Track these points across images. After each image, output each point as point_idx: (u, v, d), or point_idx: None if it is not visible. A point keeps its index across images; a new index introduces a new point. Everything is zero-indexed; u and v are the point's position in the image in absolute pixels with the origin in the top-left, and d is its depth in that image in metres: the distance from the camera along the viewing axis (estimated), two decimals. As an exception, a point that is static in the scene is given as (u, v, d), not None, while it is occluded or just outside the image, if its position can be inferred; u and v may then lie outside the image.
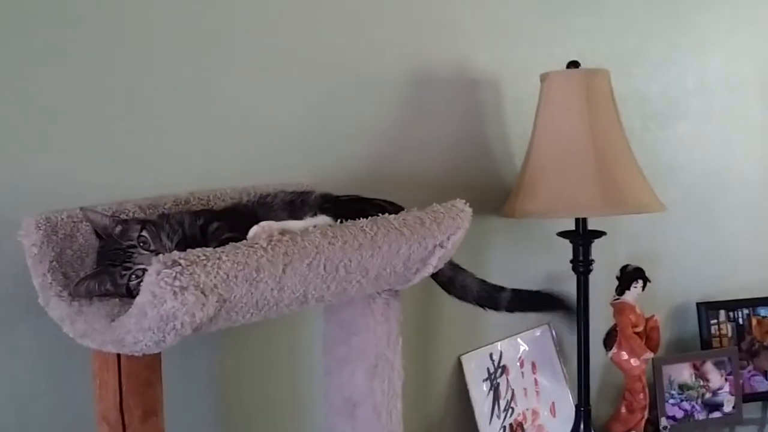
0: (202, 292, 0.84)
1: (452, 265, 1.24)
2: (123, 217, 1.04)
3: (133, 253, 0.97)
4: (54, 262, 1.02)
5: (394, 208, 1.13)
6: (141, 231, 0.98)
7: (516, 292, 1.33)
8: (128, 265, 0.97)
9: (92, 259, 1.03)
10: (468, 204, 1.15)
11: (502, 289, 1.32)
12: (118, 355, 0.95)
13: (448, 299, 1.36)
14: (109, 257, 0.98)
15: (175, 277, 0.81)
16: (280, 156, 1.36)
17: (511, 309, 1.31)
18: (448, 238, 1.11)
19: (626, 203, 1.50)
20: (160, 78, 1.23)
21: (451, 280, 1.25)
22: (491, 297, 1.30)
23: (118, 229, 0.99)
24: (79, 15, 1.14)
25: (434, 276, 1.22)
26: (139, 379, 0.98)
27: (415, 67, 1.56)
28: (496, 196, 1.68)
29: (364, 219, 1.02)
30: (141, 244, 0.97)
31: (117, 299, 0.98)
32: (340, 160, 1.44)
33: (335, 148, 1.44)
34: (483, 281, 1.28)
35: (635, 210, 1.54)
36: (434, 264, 1.13)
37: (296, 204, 1.12)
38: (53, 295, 1.00)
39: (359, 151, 1.48)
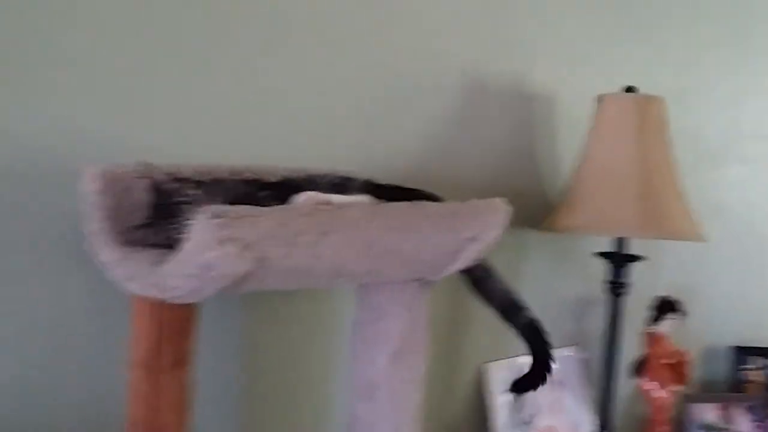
0: (243, 246, 0.89)
1: (486, 266, 1.26)
2: (179, 176, 1.10)
3: (184, 209, 1.03)
4: (111, 211, 1.09)
5: (435, 200, 1.16)
6: (195, 189, 1.04)
7: (534, 322, 1.28)
8: (178, 219, 1.02)
9: (145, 213, 1.09)
10: (507, 204, 1.18)
11: (524, 308, 1.28)
12: (156, 303, 1.01)
13: (477, 306, 1.39)
14: (161, 211, 1.04)
15: (219, 227, 0.87)
16: (330, 146, 1.42)
17: (523, 334, 1.28)
18: (484, 233, 1.14)
19: (664, 228, 1.52)
20: (228, 55, 1.30)
21: (482, 280, 1.26)
22: (511, 311, 1.27)
23: (174, 186, 1.05)
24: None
25: (465, 272, 1.25)
26: (175, 327, 1.03)
27: (472, 75, 1.60)
28: (538, 212, 1.70)
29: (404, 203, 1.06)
30: (193, 202, 1.03)
31: (163, 250, 1.04)
32: (388, 157, 1.49)
33: (384, 145, 1.49)
34: (511, 292, 1.27)
35: (673, 235, 1.55)
36: (465, 258, 1.16)
37: (342, 185, 1.16)
38: (105, 242, 1.06)
39: (408, 151, 1.53)
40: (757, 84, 2.13)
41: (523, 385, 1.31)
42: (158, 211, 1.05)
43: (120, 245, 1.05)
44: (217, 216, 0.87)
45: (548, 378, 1.29)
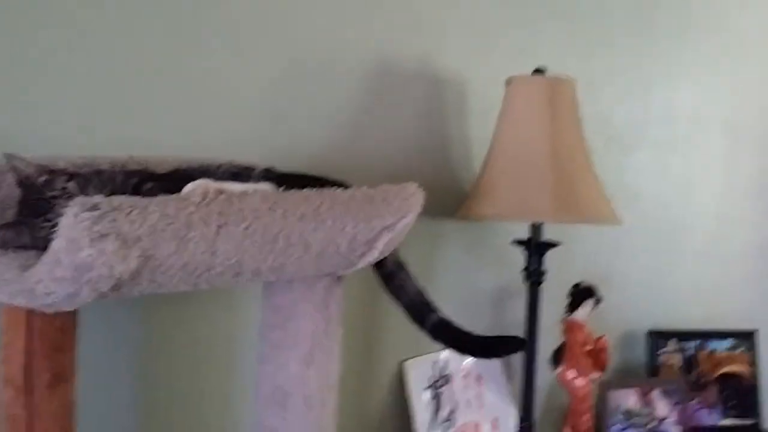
0: (124, 243, 0.78)
1: (397, 260, 1.18)
2: (51, 167, 0.97)
3: (56, 204, 0.90)
4: (-29, 211, 0.95)
5: (344, 187, 1.07)
6: (67, 182, 0.92)
7: (444, 322, 1.21)
8: (50, 216, 0.90)
9: (14, 212, 0.96)
10: (419, 188, 1.10)
11: (433, 309, 1.20)
12: (29, 313, 0.88)
13: (393, 303, 1.31)
14: (30, 208, 0.92)
15: (94, 222, 0.75)
16: (232, 132, 1.32)
17: (434, 334, 1.21)
18: (397, 222, 1.06)
19: (580, 212, 1.48)
20: (118, 38, 1.18)
21: (393, 275, 1.18)
22: (420, 312, 1.19)
23: (43, 178, 0.93)
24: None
25: (376, 266, 1.16)
26: (50, 340, 0.90)
27: (379, 58, 1.53)
28: (452, 200, 1.63)
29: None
30: (66, 196, 0.90)
31: (34, 252, 0.91)
32: (294, 144, 1.40)
33: (290, 131, 1.40)
34: (421, 292, 1.20)
35: (589, 219, 1.52)
36: (380, 248, 1.07)
37: (241, 176, 1.06)
38: (-34, 245, 0.92)
39: (315, 137, 1.44)
40: (667, 68, 2.13)
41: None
42: (27, 208, 0.92)
43: (-17, 248, 0.91)
44: (90, 209, 0.75)
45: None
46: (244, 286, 1.26)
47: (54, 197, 0.91)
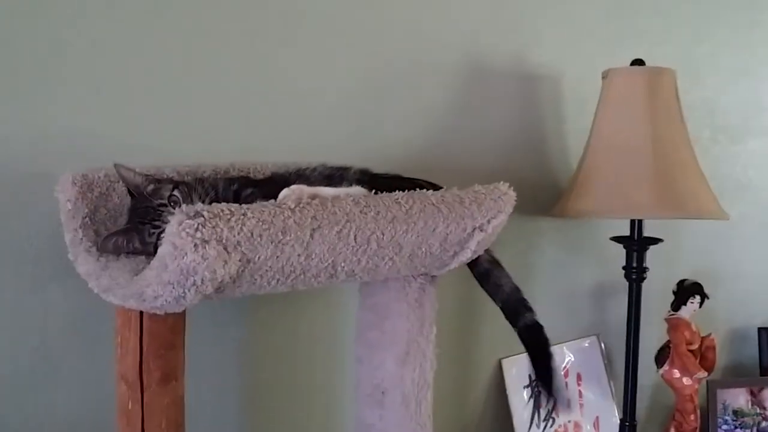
0: (225, 248, 0.82)
1: (491, 259, 1.18)
2: (157, 176, 1.03)
3: (163, 211, 0.96)
4: (87, 219, 1.02)
5: (436, 189, 1.08)
6: (173, 190, 0.97)
7: (537, 327, 1.18)
8: (157, 223, 0.95)
9: (125, 219, 1.02)
10: (512, 189, 1.10)
11: (528, 309, 1.18)
12: (141, 314, 0.94)
13: (491, 302, 1.30)
14: (139, 215, 0.97)
15: (196, 229, 0.79)
16: (327, 135, 1.35)
17: (523, 336, 1.18)
18: (489, 222, 1.06)
19: (684, 207, 1.43)
20: (211, 47, 1.23)
21: (488, 273, 1.17)
22: (515, 309, 1.18)
23: (151, 187, 0.98)
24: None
25: (471, 265, 1.17)
26: (160, 340, 0.95)
27: (473, 57, 1.52)
28: (548, 196, 1.62)
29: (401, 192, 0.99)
30: (172, 204, 0.96)
31: (144, 257, 0.96)
32: (389, 145, 1.41)
33: (384, 132, 1.42)
34: (517, 289, 1.19)
35: (694, 215, 1.46)
36: (472, 248, 1.08)
37: (335, 177, 1.09)
38: (82, 251, 0.99)
39: (409, 137, 1.45)
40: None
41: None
42: (136, 215, 0.98)
43: (97, 253, 0.98)
44: (193, 216, 0.79)
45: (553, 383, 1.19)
46: (341, 287, 1.29)
47: (161, 204, 0.96)
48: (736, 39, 1.96)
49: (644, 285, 1.58)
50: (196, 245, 0.79)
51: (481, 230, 1.07)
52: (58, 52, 1.10)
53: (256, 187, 1.02)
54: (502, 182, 1.09)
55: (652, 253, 1.57)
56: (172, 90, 1.20)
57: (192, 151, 1.18)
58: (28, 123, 1.09)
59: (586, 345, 1.76)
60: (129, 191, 1.00)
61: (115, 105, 1.15)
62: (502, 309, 1.20)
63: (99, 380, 1.10)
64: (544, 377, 1.19)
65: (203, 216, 0.80)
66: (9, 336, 1.09)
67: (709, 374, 1.76)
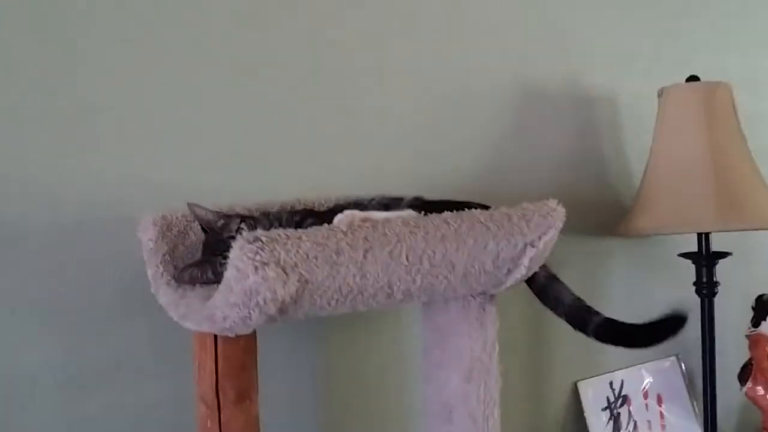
0: (283, 270, 0.89)
1: (548, 274, 1.21)
2: (227, 213, 1.12)
3: (232, 244, 1.04)
4: (167, 255, 1.11)
5: (484, 209, 1.13)
6: (240, 223, 1.05)
7: (609, 321, 1.20)
8: (227, 254, 1.03)
9: (200, 253, 1.12)
10: (561, 205, 1.13)
11: (595, 313, 1.20)
12: (215, 338, 1.02)
13: (564, 323, 1.32)
14: (211, 248, 1.06)
15: (256, 252, 0.87)
16: (387, 168, 1.42)
17: (599, 337, 1.19)
18: (539, 238, 1.10)
19: (746, 218, 1.43)
20: (274, 90, 1.32)
21: (546, 288, 1.21)
22: (581, 317, 1.19)
23: (221, 222, 1.07)
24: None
25: (529, 282, 1.20)
26: (234, 361, 1.03)
27: (527, 83, 1.57)
28: (613, 216, 1.63)
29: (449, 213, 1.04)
30: (240, 236, 1.04)
31: (216, 286, 1.05)
32: (446, 173, 1.47)
33: (442, 161, 1.47)
34: (578, 298, 1.21)
35: (757, 225, 1.45)
36: (526, 265, 1.11)
37: (390, 206, 1.15)
38: (163, 284, 1.09)
39: (467, 165, 1.51)
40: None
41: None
42: (208, 248, 1.07)
43: (176, 284, 1.07)
44: (252, 241, 0.87)
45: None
46: (405, 308, 1.34)
47: (230, 237, 1.04)
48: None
49: (723, 301, 1.56)
50: (256, 267, 0.87)
51: (533, 246, 1.11)
52: (130, 106, 1.22)
53: (316, 217, 1.09)
54: (550, 199, 1.13)
55: (727, 269, 1.56)
56: (239, 132, 1.30)
57: (260, 190, 1.27)
58: (111, 171, 1.20)
59: (666, 366, 1.74)
60: (202, 227, 1.09)
61: (189, 151, 1.25)
62: (567, 320, 1.22)
63: (183, 403, 1.17)
64: (649, 335, 1.19)
65: (261, 240, 0.87)
66: (103, 364, 1.18)
67: (796, 390, 1.71)
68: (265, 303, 0.90)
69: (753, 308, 1.73)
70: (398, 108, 1.44)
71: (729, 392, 1.72)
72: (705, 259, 1.52)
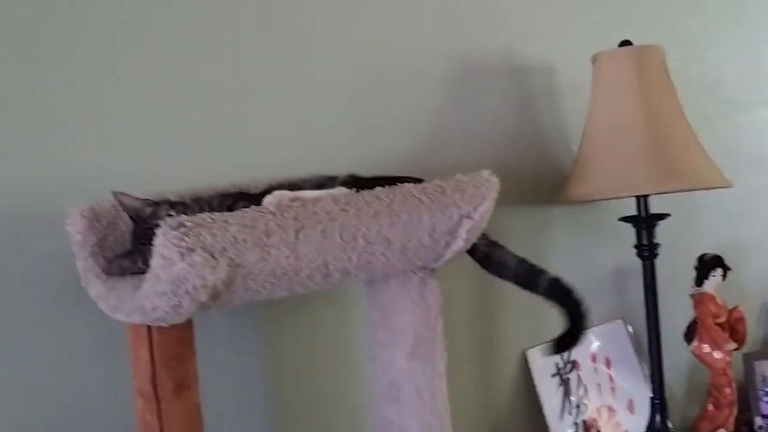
0: (211, 255, 0.87)
1: (489, 241, 1.21)
2: (155, 200, 1.09)
3: (160, 231, 1.01)
4: (95, 247, 1.08)
5: (418, 182, 1.12)
6: (169, 210, 1.03)
7: (557, 281, 1.21)
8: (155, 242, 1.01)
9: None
10: (494, 175, 1.13)
11: (542, 271, 1.22)
12: (149, 329, 0.99)
13: (510, 293, 1.32)
14: (140, 237, 1.03)
15: (181, 239, 0.84)
16: (320, 148, 1.39)
17: (549, 295, 1.21)
18: (475, 209, 1.10)
19: (683, 179, 1.44)
20: (200, 70, 1.29)
21: (488, 256, 1.21)
22: (529, 277, 1.21)
23: (149, 210, 1.04)
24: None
25: (471, 253, 1.20)
26: (170, 351, 1.00)
27: (461, 56, 1.56)
28: (555, 185, 1.64)
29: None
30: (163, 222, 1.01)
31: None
32: (384, 151, 1.45)
33: (379, 139, 1.46)
34: (523, 260, 1.23)
35: (694, 185, 1.47)
36: (463, 237, 1.11)
37: (324, 186, 1.13)
38: (93, 277, 1.05)
39: (404, 142, 1.49)
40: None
41: (563, 344, 1.23)
42: (138, 237, 1.04)
43: (105, 276, 1.04)
44: (176, 227, 0.85)
45: (584, 332, 1.21)
46: (341, 286, 1.33)
47: (159, 225, 1.02)
48: (731, 11, 1.96)
49: (666, 263, 1.58)
50: (182, 254, 0.85)
51: (469, 218, 1.10)
52: (53, 89, 1.17)
53: (249, 200, 1.07)
54: (484, 170, 1.12)
55: (669, 231, 1.58)
56: (172, 117, 1.26)
57: (192, 175, 1.24)
58: (37, 163, 1.16)
59: (612, 329, 1.76)
60: (130, 217, 1.06)
61: (113, 138, 1.21)
62: (516, 282, 1.22)
63: (121, 397, 1.15)
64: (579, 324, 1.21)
65: (185, 226, 0.85)
66: (38, 362, 1.15)
67: (740, 346, 1.75)
68: (194, 290, 0.88)
69: (695, 268, 1.76)
70: (332, 85, 1.42)
71: (677, 352, 1.74)
72: (644, 221, 1.54)
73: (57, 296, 1.15)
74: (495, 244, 1.22)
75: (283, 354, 1.36)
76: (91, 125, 1.20)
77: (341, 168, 1.33)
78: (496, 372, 1.62)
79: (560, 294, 1.21)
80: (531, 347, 1.64)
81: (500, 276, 1.22)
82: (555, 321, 1.65)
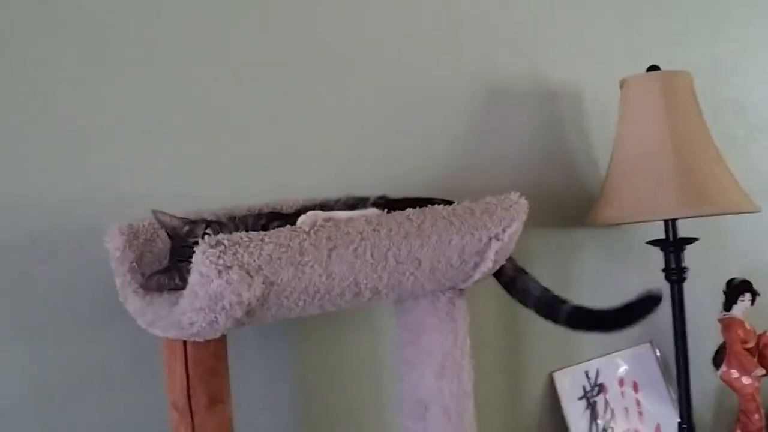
0: (247, 273, 0.90)
1: (515, 267, 1.23)
2: (192, 219, 1.12)
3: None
4: (134, 263, 1.11)
5: (448, 204, 1.14)
6: (206, 228, 1.06)
7: (577, 308, 1.22)
8: (193, 260, 1.04)
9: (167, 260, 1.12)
10: (523, 197, 1.15)
11: (563, 301, 1.23)
12: (185, 344, 1.02)
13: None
14: (177, 254, 1.06)
15: (219, 256, 0.87)
16: (352, 169, 1.42)
17: (570, 324, 1.22)
18: (504, 231, 1.11)
19: (709, 203, 1.45)
20: (232, 94, 1.32)
21: (513, 281, 1.22)
22: (551, 307, 1.22)
23: (186, 228, 1.07)
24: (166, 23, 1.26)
25: (497, 276, 1.22)
26: (204, 366, 1.03)
27: (489, 80, 1.59)
28: (581, 208, 1.65)
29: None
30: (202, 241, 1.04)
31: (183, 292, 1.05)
32: (413, 174, 1.48)
33: (408, 161, 1.48)
34: (546, 289, 1.23)
35: (723, 209, 1.48)
36: (492, 258, 1.13)
37: (356, 206, 1.16)
38: (131, 292, 1.09)
39: (433, 164, 1.51)
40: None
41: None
42: (175, 254, 1.07)
43: (143, 292, 1.07)
44: (214, 245, 0.88)
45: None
46: (378, 307, 1.35)
47: (196, 243, 1.04)
48: (759, 37, 1.97)
49: (695, 287, 1.59)
50: (219, 271, 0.88)
51: (498, 239, 1.12)
52: (96, 108, 1.21)
53: (282, 220, 1.10)
54: (513, 192, 1.14)
55: (697, 255, 1.58)
56: (203, 137, 1.29)
57: (227, 195, 1.27)
58: (79, 181, 1.19)
59: (640, 353, 1.76)
60: (168, 234, 1.10)
61: (155, 159, 1.25)
62: (536, 311, 1.24)
63: (156, 410, 1.17)
64: (621, 318, 1.22)
65: (224, 244, 0.88)
66: (75, 375, 1.18)
67: (770, 372, 1.74)
68: (230, 306, 0.91)
69: (724, 292, 1.76)
70: (362, 107, 1.45)
71: (705, 377, 1.74)
72: (672, 245, 1.55)
73: (95, 310, 1.19)
74: (522, 270, 1.23)
75: (313, 371, 1.38)
76: (129, 145, 1.23)
77: (370, 191, 1.37)
78: (522, 393, 1.63)
79: (582, 319, 1.22)
80: (558, 369, 1.64)
81: (522, 302, 1.24)
82: (582, 343, 1.68)
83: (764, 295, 1.77)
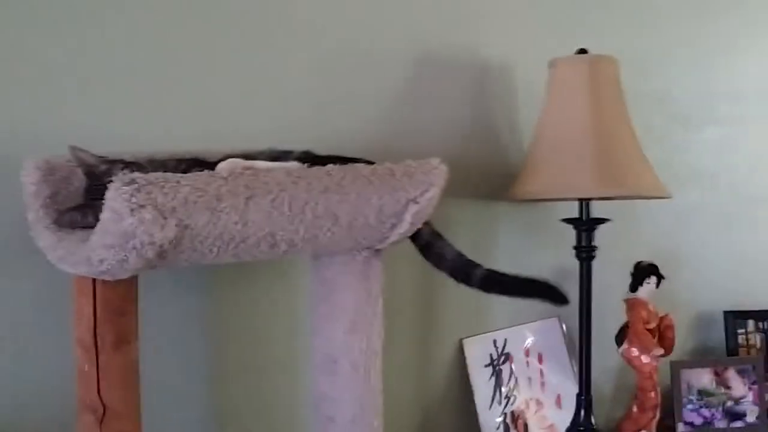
0: (161, 213, 0.90)
1: (432, 231, 1.26)
2: (110, 158, 1.11)
3: (113, 188, 1.03)
4: (48, 199, 1.10)
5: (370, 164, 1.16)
6: (123, 169, 1.05)
7: (491, 272, 1.29)
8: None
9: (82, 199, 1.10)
10: (441, 163, 1.18)
11: (477, 265, 1.29)
12: (94, 282, 1.01)
13: (453, 282, 1.37)
14: (92, 193, 1.05)
15: (131, 195, 0.87)
16: (278, 123, 1.42)
17: (484, 287, 1.29)
18: (422, 194, 1.14)
19: (623, 186, 1.50)
20: (169, 40, 1.32)
21: (429, 245, 1.26)
22: (464, 270, 1.28)
23: (103, 167, 1.06)
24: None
25: (414, 239, 1.24)
26: (112, 305, 1.03)
27: (423, 50, 1.61)
28: (503, 182, 1.69)
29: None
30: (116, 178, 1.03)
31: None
32: (340, 133, 1.48)
33: (336, 125, 1.49)
34: (461, 254, 1.28)
35: (635, 192, 1.54)
36: (409, 220, 1.15)
37: (279, 159, 1.16)
38: (43, 228, 1.08)
39: (361, 129, 1.53)
40: (731, 41, 2.10)
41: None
42: (90, 193, 1.05)
43: (55, 228, 1.06)
44: (128, 183, 0.87)
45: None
46: (286, 257, 1.36)
47: (111, 182, 1.04)
48: (686, 31, 2.03)
49: (604, 268, 1.65)
50: (132, 209, 0.88)
51: (416, 203, 1.15)
52: (20, 41, 1.18)
53: (203, 166, 1.10)
54: (433, 158, 1.17)
55: (608, 236, 1.64)
56: (135, 81, 1.28)
57: (151, 139, 1.27)
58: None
59: (547, 326, 1.82)
60: (84, 172, 1.08)
61: (82, 96, 1.23)
62: (450, 275, 1.28)
63: (63, 347, 1.16)
64: (531, 289, 1.33)
65: (138, 183, 0.88)
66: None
67: (668, 353, 1.82)
68: (142, 246, 0.91)
69: (631, 274, 1.82)
70: (295, 67, 1.45)
71: (607, 353, 1.81)
72: (584, 224, 1.60)
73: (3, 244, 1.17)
74: (438, 235, 1.27)
75: (227, 320, 1.39)
76: (56, 79, 1.21)
77: (297, 145, 1.37)
78: (432, 357, 1.67)
79: (495, 282, 1.27)
80: (468, 336, 1.69)
81: (437, 266, 1.27)
82: (493, 313, 1.73)
83: (669, 279, 1.84)
